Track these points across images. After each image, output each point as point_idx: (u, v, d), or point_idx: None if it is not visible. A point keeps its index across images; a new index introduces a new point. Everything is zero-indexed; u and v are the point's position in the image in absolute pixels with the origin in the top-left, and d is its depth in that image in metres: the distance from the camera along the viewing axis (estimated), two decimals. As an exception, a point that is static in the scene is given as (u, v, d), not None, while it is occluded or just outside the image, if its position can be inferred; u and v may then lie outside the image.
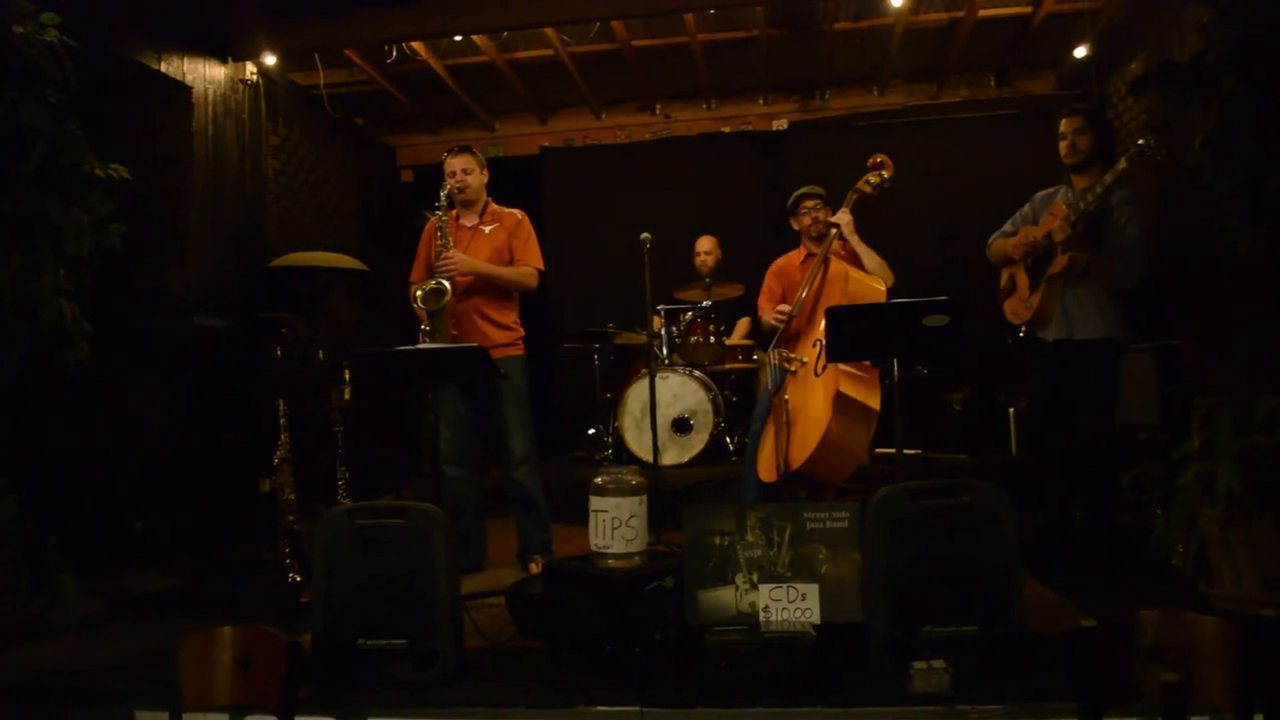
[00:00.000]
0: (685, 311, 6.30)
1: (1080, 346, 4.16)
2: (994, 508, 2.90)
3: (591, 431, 6.56)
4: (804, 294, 4.85)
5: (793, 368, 4.74)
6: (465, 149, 4.71)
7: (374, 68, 6.76)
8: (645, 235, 5.21)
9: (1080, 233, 4.01)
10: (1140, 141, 3.83)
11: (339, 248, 6.76)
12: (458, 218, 4.66)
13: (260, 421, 5.74)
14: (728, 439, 6.15)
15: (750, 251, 7.08)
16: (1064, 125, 4.23)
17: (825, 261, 4.86)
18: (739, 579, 2.98)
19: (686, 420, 5.99)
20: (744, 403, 6.44)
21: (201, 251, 5.53)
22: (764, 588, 2.97)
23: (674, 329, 6.30)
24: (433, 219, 4.72)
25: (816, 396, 4.55)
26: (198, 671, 2.68)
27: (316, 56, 6.39)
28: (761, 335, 6.62)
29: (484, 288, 4.53)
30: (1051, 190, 4.40)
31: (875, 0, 6.32)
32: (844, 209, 4.88)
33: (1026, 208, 4.47)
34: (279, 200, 6.39)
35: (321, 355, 5.94)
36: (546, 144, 7.89)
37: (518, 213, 4.75)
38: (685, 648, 2.90)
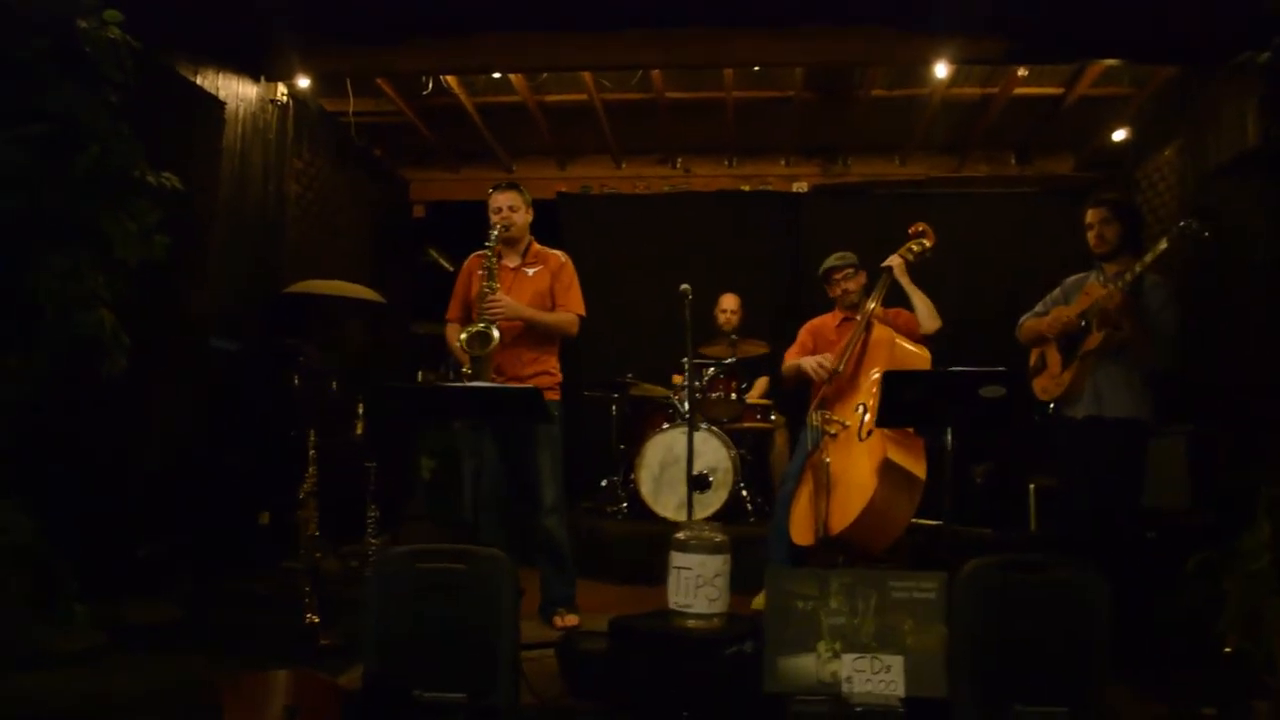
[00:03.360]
0: (708, 367, 6.20)
1: (1109, 425, 4.13)
2: (1087, 586, 2.80)
3: (604, 483, 6.38)
4: (847, 354, 4.77)
5: (833, 430, 4.63)
6: (512, 185, 4.60)
7: (403, 99, 6.66)
8: (685, 286, 5.10)
9: (1121, 307, 3.97)
10: (1182, 224, 3.84)
11: (350, 278, 6.59)
12: (499, 257, 4.50)
13: (267, 451, 5.55)
14: (745, 498, 6.01)
15: (767, 311, 7.04)
16: (1090, 215, 4.26)
17: (868, 325, 4.80)
18: (821, 646, 2.83)
19: (706, 477, 5.84)
20: (757, 462, 6.32)
21: (220, 271, 5.34)
22: (847, 657, 2.82)
23: (696, 384, 6.18)
24: (475, 254, 4.59)
25: (861, 461, 4.44)
26: (241, 717, 2.47)
27: (349, 82, 6.27)
28: (780, 394, 6.55)
29: (526, 331, 4.39)
30: (1081, 275, 4.40)
31: (915, 70, 6.33)
32: (894, 255, 4.85)
33: (1058, 291, 4.47)
34: (297, 225, 6.22)
35: (335, 386, 5.76)
36: (563, 189, 7.79)
37: (561, 255, 4.63)
38: (761, 717, 2.74)
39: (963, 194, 7.40)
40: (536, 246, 4.63)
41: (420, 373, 7.53)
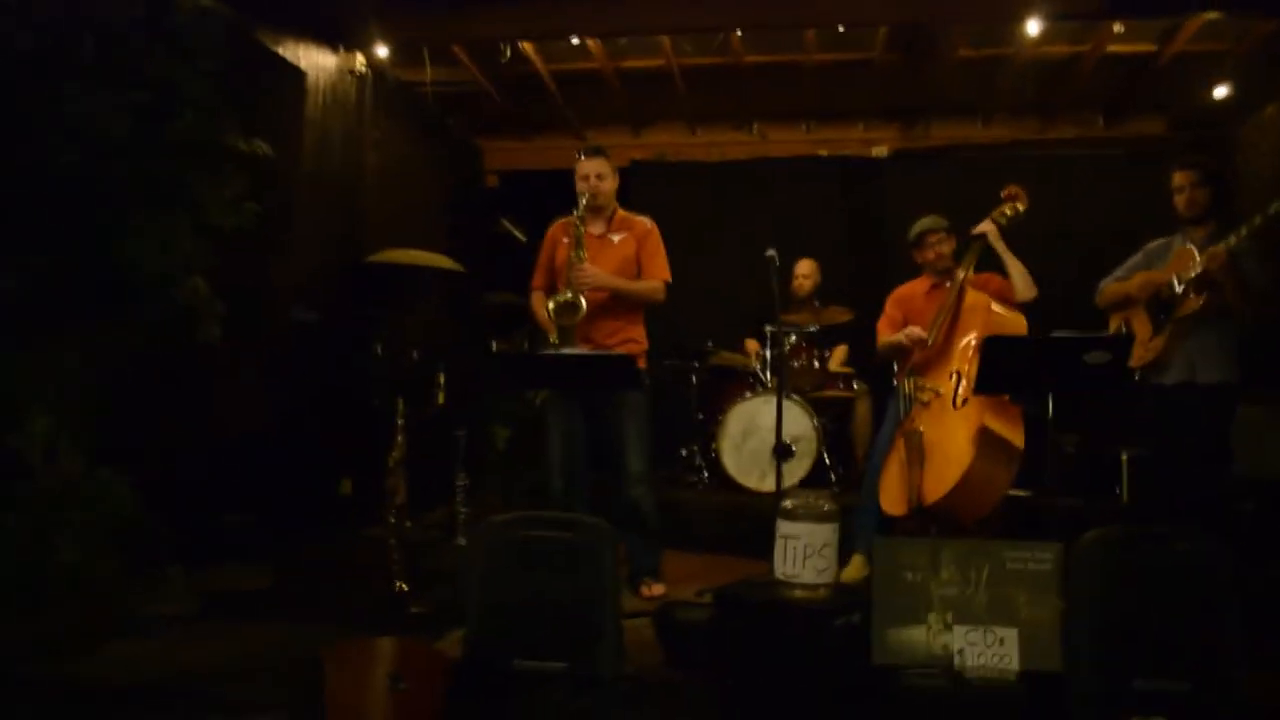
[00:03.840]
0: (789, 334, 6.10)
1: (1203, 390, 4.05)
2: (1212, 558, 2.69)
3: (684, 453, 6.33)
4: (939, 321, 4.64)
5: (925, 398, 4.52)
6: (599, 151, 4.52)
7: (479, 67, 6.61)
8: (771, 252, 5.02)
9: (1226, 267, 3.82)
10: None
11: (426, 248, 6.58)
12: (584, 224, 4.43)
13: (348, 419, 5.58)
14: (829, 468, 5.92)
15: (844, 278, 6.90)
16: (1181, 178, 4.14)
17: (961, 291, 4.66)
18: (932, 618, 2.75)
19: (789, 447, 5.75)
20: (839, 431, 6.21)
21: (302, 242, 5.35)
22: (959, 629, 2.74)
23: (777, 351, 6.10)
24: (559, 222, 4.55)
25: (957, 430, 4.32)
26: (345, 685, 2.46)
27: (425, 51, 6.23)
28: (861, 362, 6.44)
29: (613, 300, 4.33)
30: (1163, 240, 4.29)
31: (1002, 29, 6.12)
32: (986, 221, 4.71)
33: (1139, 256, 4.36)
34: (375, 195, 6.22)
35: (416, 356, 5.76)
36: (638, 156, 7.69)
37: (647, 221, 4.55)
38: (872, 689, 2.67)
39: (1048, 156, 7.16)
40: (621, 213, 4.56)
41: (494, 342, 7.55)
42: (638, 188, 7.52)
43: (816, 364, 6.03)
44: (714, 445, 5.93)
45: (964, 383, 4.46)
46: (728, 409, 5.89)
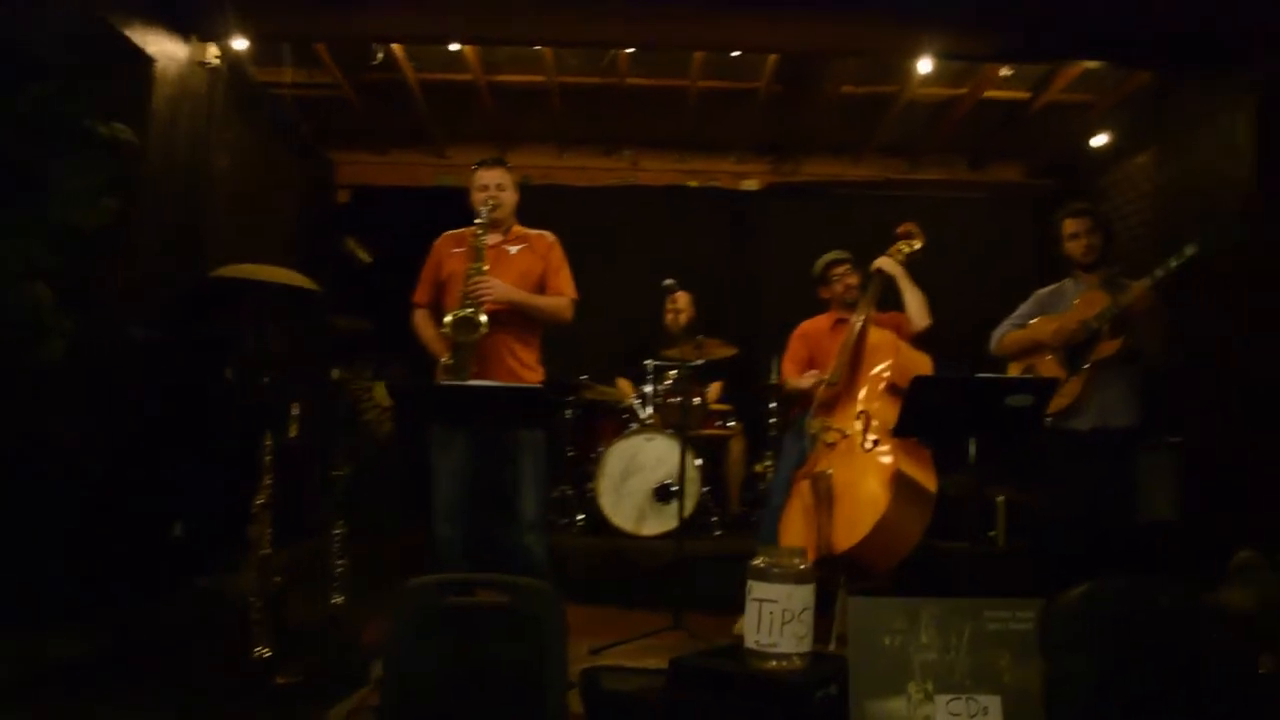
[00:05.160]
0: (669, 369, 5.84)
1: (1114, 435, 4.07)
2: (1206, 614, 2.55)
3: (555, 494, 5.94)
4: (841, 360, 4.48)
5: (831, 439, 4.33)
6: (499, 162, 4.14)
7: (343, 71, 6.09)
8: (670, 281, 4.79)
9: (1152, 309, 3.90)
10: (1220, 227, 3.87)
11: (275, 264, 5.98)
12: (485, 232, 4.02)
13: (185, 452, 4.94)
14: (710, 510, 5.68)
15: (718, 311, 6.71)
16: (1076, 225, 4.19)
17: (863, 328, 4.53)
18: (912, 687, 2.49)
19: (669, 488, 5.47)
20: (712, 470, 5.97)
21: (142, 249, 4.71)
22: (940, 699, 2.49)
23: (657, 387, 5.83)
24: (447, 234, 4.16)
25: (867, 474, 4.15)
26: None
27: (286, 49, 5.68)
28: (737, 398, 6.23)
29: (512, 319, 3.93)
30: (1053, 286, 4.33)
31: (888, 67, 6.10)
32: (884, 257, 4.64)
33: (1032, 303, 4.37)
34: (224, 203, 5.59)
35: (268, 381, 5.19)
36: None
37: (548, 234, 4.18)
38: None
39: (917, 197, 7.22)
40: (519, 227, 4.19)
41: (336, 370, 6.99)
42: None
43: (697, 400, 5.78)
44: (590, 485, 5.58)
45: (873, 423, 4.30)
46: (605, 447, 5.57)
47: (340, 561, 3.56)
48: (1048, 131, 6.91)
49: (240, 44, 5.25)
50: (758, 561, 2.43)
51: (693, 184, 7.53)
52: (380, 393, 6.92)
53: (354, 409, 6.96)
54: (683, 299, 6.22)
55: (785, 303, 6.78)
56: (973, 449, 4.03)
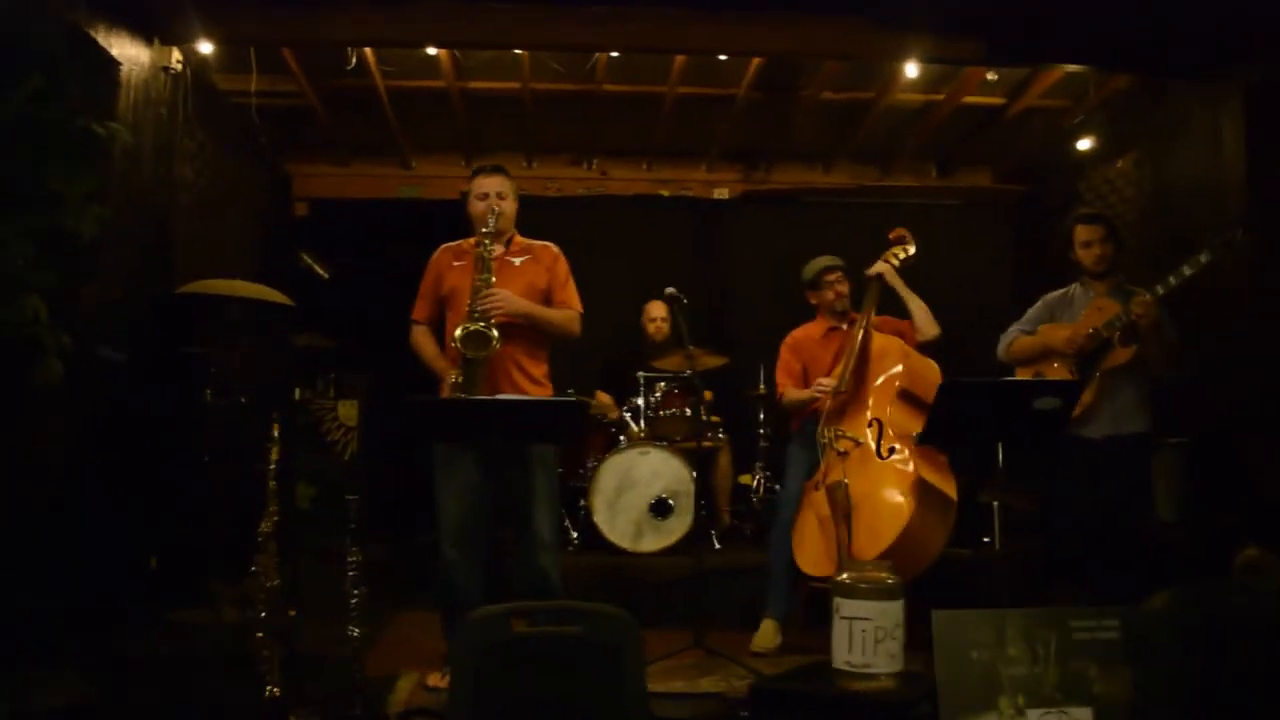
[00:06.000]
0: (660, 381, 5.69)
1: (1126, 442, 4.05)
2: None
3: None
4: (847, 367, 4.38)
5: (843, 447, 4.21)
6: (498, 169, 4.01)
7: (309, 78, 5.84)
8: (671, 290, 4.65)
9: (1158, 320, 3.87)
10: (1228, 235, 3.74)
11: (240, 280, 5.70)
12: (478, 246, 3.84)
13: (158, 478, 4.66)
14: (710, 525, 5.54)
15: (697, 321, 6.56)
16: (1089, 233, 4.21)
17: (867, 334, 4.44)
18: (1003, 703, 2.37)
19: (666, 502, 5.31)
20: (699, 483, 5.81)
21: (107, 266, 4.41)
22: (1032, 714, 2.37)
23: (650, 399, 5.66)
24: (444, 246, 4.02)
25: (888, 482, 4.07)
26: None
27: (253, 53, 5.42)
28: (726, 410, 6.09)
29: (522, 333, 3.76)
30: (1062, 291, 4.32)
31: (868, 73, 6.05)
32: (879, 262, 4.63)
33: (1041, 308, 4.36)
34: (189, 215, 5.31)
35: (244, 402, 4.92)
36: (468, 188, 7.08)
37: (552, 246, 4.05)
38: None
39: (890, 204, 7.18)
40: (521, 238, 4.03)
41: (297, 390, 6.71)
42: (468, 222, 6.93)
43: (688, 411, 5.63)
44: (584, 501, 5.40)
45: (888, 430, 4.21)
46: (598, 462, 5.39)
47: (357, 591, 3.32)
48: (1020, 136, 6.93)
49: (205, 48, 4.99)
50: (844, 578, 2.29)
51: (664, 193, 7.40)
52: (345, 412, 6.66)
53: (316, 429, 6.69)
54: (660, 308, 6.11)
55: (759, 311, 6.71)
56: (1000, 454, 3.95)
